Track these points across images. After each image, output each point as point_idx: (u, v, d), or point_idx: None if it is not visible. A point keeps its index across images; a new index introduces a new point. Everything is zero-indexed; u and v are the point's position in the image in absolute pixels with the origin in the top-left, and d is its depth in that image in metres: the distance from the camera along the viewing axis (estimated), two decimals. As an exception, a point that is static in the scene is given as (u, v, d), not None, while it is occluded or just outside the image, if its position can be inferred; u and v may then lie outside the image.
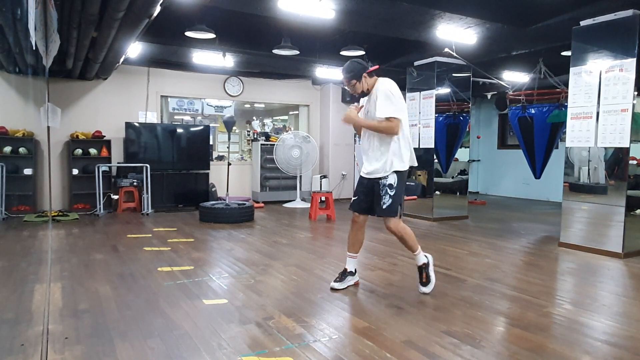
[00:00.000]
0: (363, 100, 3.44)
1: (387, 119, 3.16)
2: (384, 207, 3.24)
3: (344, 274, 3.49)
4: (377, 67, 3.38)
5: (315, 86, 9.64)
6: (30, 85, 7.28)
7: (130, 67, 7.76)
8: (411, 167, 3.40)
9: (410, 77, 7.19)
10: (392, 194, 3.22)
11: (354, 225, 3.45)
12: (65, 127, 7.32)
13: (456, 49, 6.09)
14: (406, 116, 3.29)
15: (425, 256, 3.42)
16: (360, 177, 3.44)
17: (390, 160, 3.24)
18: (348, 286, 3.48)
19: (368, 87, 3.28)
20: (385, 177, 3.24)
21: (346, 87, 3.35)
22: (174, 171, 7.95)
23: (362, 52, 6.57)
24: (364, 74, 3.24)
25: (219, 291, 3.40)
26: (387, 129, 3.17)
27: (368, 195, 3.35)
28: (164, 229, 6.01)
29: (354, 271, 3.52)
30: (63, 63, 6.30)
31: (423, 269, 3.39)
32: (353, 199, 3.45)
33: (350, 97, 9.32)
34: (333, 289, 3.44)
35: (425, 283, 3.38)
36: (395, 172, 3.25)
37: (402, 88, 3.61)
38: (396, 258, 4.47)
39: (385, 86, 3.23)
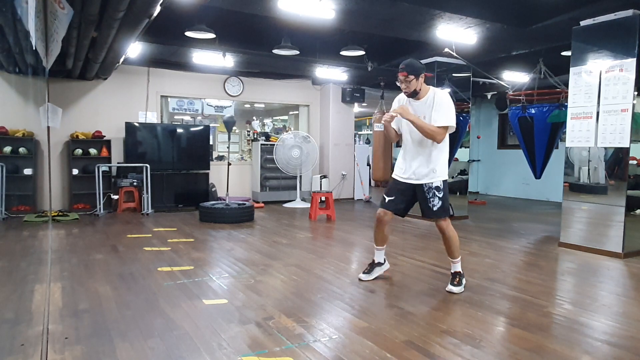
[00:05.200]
0: (399, 104, 3.41)
1: (439, 126, 3.23)
2: (435, 209, 3.34)
3: (372, 265, 3.64)
4: (430, 75, 3.45)
5: (315, 86, 9.64)
6: (30, 85, 7.28)
7: (130, 67, 7.75)
8: None
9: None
10: (440, 196, 3.34)
11: (379, 224, 3.54)
12: (65, 127, 7.32)
13: (456, 49, 6.09)
14: None
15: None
16: (396, 180, 3.48)
17: (434, 167, 3.34)
18: (377, 277, 3.61)
19: (419, 89, 3.28)
20: (431, 182, 3.34)
21: (398, 82, 3.30)
22: (174, 171, 7.95)
23: (362, 52, 6.57)
24: (422, 75, 3.27)
25: (219, 291, 3.41)
26: (434, 134, 3.22)
27: (406, 198, 3.44)
28: (164, 229, 6.01)
29: (382, 261, 3.66)
30: (63, 63, 6.30)
31: (457, 275, 3.45)
32: (388, 198, 3.47)
33: (350, 97, 9.32)
34: (360, 280, 3.56)
35: (456, 285, 3.41)
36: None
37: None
38: (396, 258, 4.46)
39: (448, 97, 3.33)
